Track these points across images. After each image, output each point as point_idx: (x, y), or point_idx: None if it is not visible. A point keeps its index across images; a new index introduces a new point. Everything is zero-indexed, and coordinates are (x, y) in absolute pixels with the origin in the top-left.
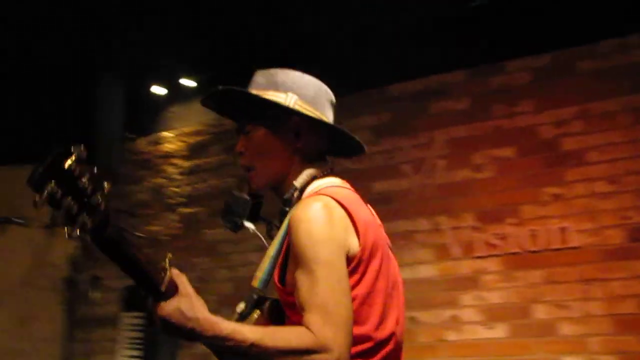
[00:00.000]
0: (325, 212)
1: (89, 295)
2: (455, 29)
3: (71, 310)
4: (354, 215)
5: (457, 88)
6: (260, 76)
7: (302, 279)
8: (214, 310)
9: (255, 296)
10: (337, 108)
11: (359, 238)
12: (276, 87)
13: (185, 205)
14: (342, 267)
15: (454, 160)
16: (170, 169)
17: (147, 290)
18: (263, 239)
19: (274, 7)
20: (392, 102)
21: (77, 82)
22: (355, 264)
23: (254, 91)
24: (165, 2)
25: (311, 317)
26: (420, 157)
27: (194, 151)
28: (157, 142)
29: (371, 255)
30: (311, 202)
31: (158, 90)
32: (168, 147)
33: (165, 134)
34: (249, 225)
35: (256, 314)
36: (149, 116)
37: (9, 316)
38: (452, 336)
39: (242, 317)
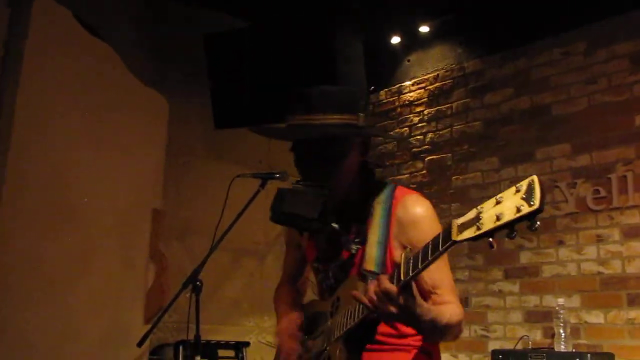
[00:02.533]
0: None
1: None
2: None
3: None
4: None
5: None
6: (334, 98)
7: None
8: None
9: (374, 277)
10: (590, 37)
11: None
12: (352, 110)
13: (430, 152)
14: None
15: None
16: (413, 118)
17: (392, 276)
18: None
19: None
20: None
21: (317, 38)
22: None
23: (335, 117)
24: None
25: (451, 296)
26: None
27: (435, 97)
28: (398, 92)
29: None
30: (422, 200)
31: (396, 40)
32: (409, 95)
33: (405, 83)
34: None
35: None
36: (388, 67)
37: (274, 265)
38: None
39: None
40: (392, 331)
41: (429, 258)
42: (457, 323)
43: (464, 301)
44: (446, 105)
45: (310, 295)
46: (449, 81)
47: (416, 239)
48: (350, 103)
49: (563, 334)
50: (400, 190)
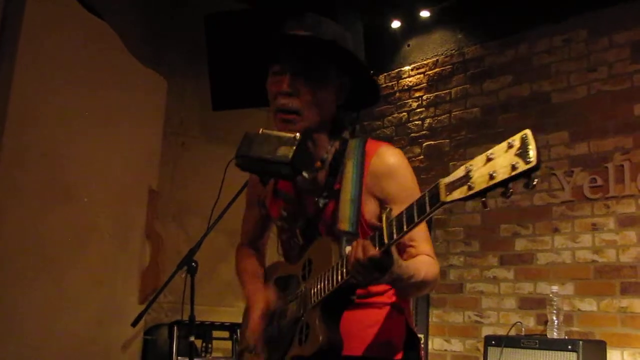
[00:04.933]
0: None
1: None
2: None
3: None
4: None
5: None
6: (326, 25)
7: None
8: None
9: (349, 238)
10: (592, 24)
11: None
12: (345, 41)
13: (428, 137)
14: None
15: None
16: (412, 103)
17: (374, 239)
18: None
19: None
20: None
21: None
22: None
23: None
24: None
25: (427, 248)
26: None
27: (434, 83)
28: (397, 77)
29: None
30: (396, 150)
31: (396, 24)
32: (408, 80)
33: (404, 68)
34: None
35: None
36: (388, 51)
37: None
38: None
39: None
40: (363, 291)
41: (415, 220)
42: (433, 279)
43: (459, 287)
44: (445, 91)
45: (273, 255)
46: (449, 67)
47: (392, 189)
48: (341, 33)
49: (556, 321)
50: (371, 143)
